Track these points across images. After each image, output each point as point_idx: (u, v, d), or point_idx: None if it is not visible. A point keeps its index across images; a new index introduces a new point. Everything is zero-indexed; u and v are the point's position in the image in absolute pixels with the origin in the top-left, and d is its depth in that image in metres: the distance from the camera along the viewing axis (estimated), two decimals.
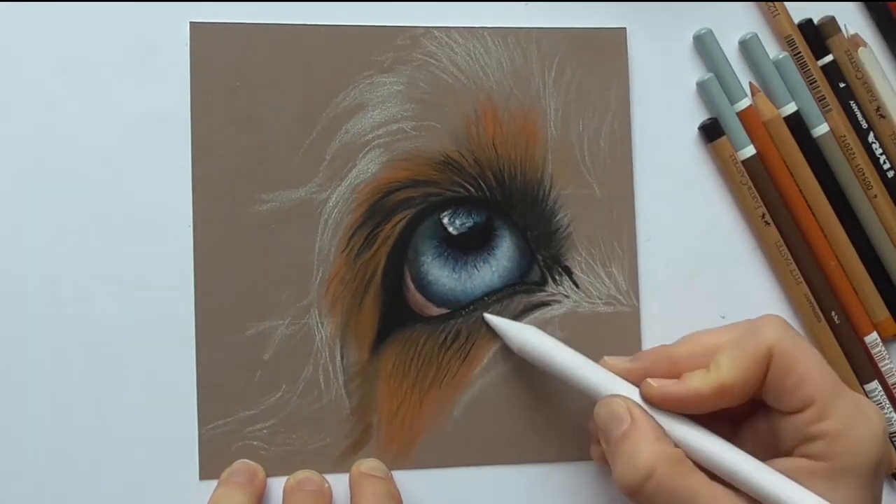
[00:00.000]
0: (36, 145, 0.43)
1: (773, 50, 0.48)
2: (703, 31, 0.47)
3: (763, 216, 0.46)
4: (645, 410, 0.39)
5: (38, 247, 0.43)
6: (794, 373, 0.38)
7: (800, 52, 0.47)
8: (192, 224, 0.44)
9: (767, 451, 0.40)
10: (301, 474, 0.44)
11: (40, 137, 0.43)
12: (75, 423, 0.43)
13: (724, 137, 0.47)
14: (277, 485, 0.44)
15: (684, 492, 0.37)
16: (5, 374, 0.43)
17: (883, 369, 0.48)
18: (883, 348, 0.48)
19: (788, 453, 0.39)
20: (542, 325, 0.45)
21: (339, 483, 0.44)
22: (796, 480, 0.38)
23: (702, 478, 0.38)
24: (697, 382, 0.39)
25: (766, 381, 0.39)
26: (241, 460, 0.43)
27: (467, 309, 0.45)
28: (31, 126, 0.43)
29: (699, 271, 0.47)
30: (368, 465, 0.44)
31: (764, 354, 0.39)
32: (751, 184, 0.47)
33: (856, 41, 0.48)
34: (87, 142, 0.43)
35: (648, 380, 0.40)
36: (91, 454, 0.43)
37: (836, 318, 0.47)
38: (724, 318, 0.47)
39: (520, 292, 0.46)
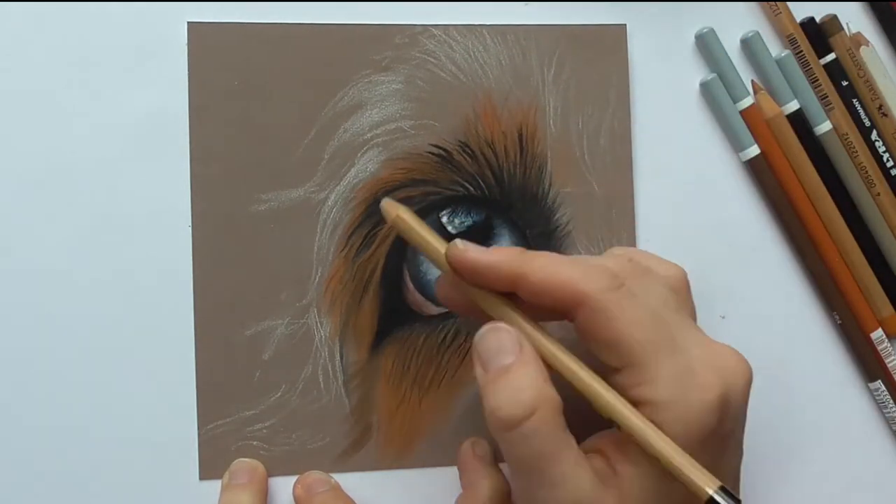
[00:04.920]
0: (34, 146, 0.43)
1: (775, 48, 0.48)
2: (705, 31, 0.47)
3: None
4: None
5: (36, 247, 0.43)
6: (608, 328, 0.34)
7: (802, 51, 0.47)
8: (190, 224, 0.44)
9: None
10: (308, 477, 0.44)
11: (38, 138, 0.43)
12: (75, 424, 0.43)
13: None
14: (278, 485, 0.44)
15: (554, 444, 0.34)
16: (5, 375, 0.43)
17: (889, 366, 0.47)
18: (888, 345, 0.47)
19: None
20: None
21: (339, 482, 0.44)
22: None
23: (572, 440, 0.35)
24: (504, 261, 0.36)
25: (578, 327, 0.35)
26: (238, 459, 0.43)
27: None
28: (29, 126, 0.43)
29: (699, 270, 0.46)
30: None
31: (572, 297, 0.35)
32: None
33: (858, 40, 0.48)
34: (84, 142, 0.43)
35: (456, 241, 0.36)
36: (91, 454, 0.43)
37: (838, 316, 0.47)
38: (723, 317, 0.47)
39: None
